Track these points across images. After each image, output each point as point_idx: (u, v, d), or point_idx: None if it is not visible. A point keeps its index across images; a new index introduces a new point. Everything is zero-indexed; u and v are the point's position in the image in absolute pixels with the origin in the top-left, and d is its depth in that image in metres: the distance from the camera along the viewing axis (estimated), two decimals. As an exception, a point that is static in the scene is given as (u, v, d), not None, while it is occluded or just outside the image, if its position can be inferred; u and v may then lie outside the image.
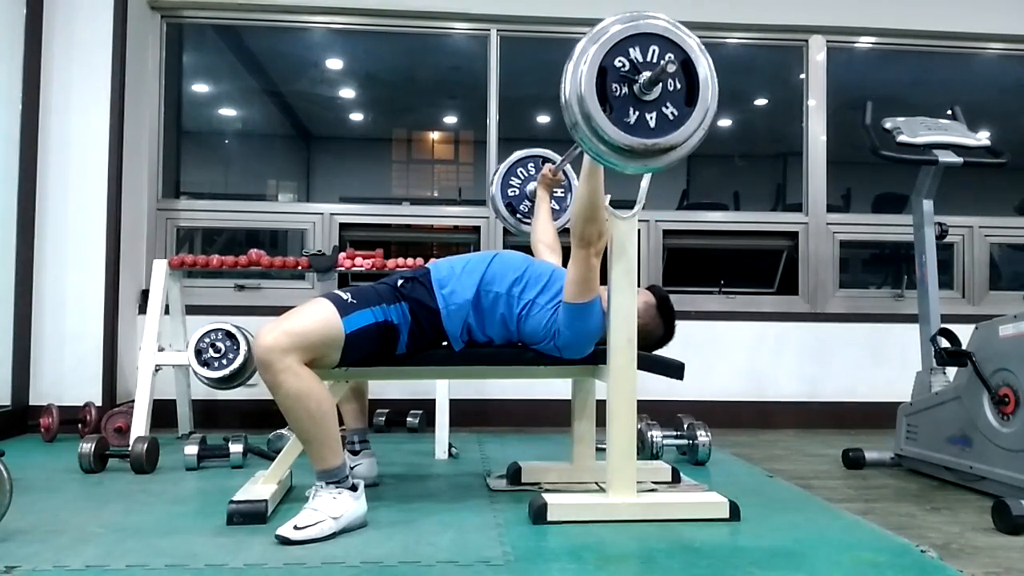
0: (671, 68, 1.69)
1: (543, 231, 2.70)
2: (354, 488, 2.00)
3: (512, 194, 2.92)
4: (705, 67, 1.75)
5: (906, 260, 4.28)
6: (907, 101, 4.63)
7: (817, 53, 4.28)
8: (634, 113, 1.73)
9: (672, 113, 1.75)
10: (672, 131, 1.74)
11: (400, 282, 2.20)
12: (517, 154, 2.93)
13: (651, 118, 1.73)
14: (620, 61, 1.72)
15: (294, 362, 1.93)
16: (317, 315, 2.02)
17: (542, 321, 2.17)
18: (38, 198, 3.56)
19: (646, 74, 1.71)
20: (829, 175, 4.27)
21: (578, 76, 1.71)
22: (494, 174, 2.97)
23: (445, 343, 2.25)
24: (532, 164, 2.91)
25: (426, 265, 2.30)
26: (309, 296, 2.15)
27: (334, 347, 2.03)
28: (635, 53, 1.73)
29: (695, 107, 1.75)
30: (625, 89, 1.72)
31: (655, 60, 1.73)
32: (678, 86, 1.75)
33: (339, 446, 2.01)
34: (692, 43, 1.76)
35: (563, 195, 2.89)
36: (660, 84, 1.72)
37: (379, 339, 2.11)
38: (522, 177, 2.91)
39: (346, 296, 2.09)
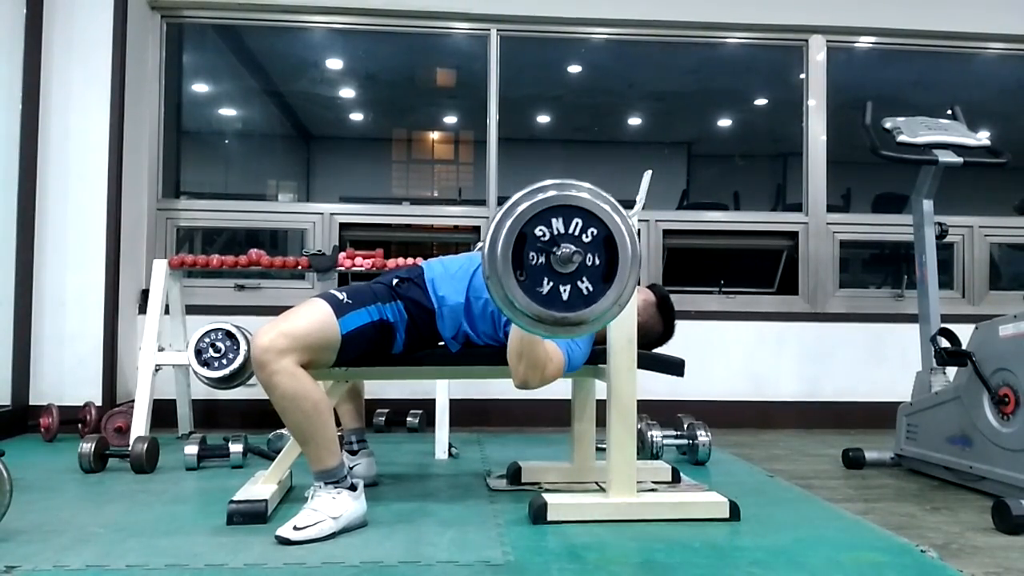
0: (576, 258, 1.66)
1: None
2: (353, 488, 2.00)
3: None
4: (627, 244, 1.70)
5: (906, 260, 4.28)
6: (907, 101, 4.63)
7: (817, 53, 4.28)
8: (548, 283, 1.69)
9: (587, 288, 1.70)
10: (583, 307, 1.70)
11: (395, 281, 2.20)
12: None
13: (565, 291, 1.69)
14: (540, 230, 1.67)
15: (290, 363, 1.93)
16: (313, 316, 2.02)
17: None
18: (38, 198, 3.56)
19: (564, 247, 1.67)
20: (829, 175, 4.27)
21: (497, 238, 1.67)
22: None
23: (442, 343, 2.25)
24: None
25: (419, 264, 2.30)
26: (309, 296, 2.15)
27: (330, 348, 2.03)
28: (558, 224, 1.68)
29: (611, 285, 1.70)
30: (542, 259, 1.68)
31: (576, 233, 1.69)
32: (597, 262, 1.70)
33: (336, 446, 2.01)
34: (617, 219, 1.70)
35: None
36: (576, 259, 1.68)
37: (375, 338, 2.11)
38: None
39: (342, 296, 2.09)
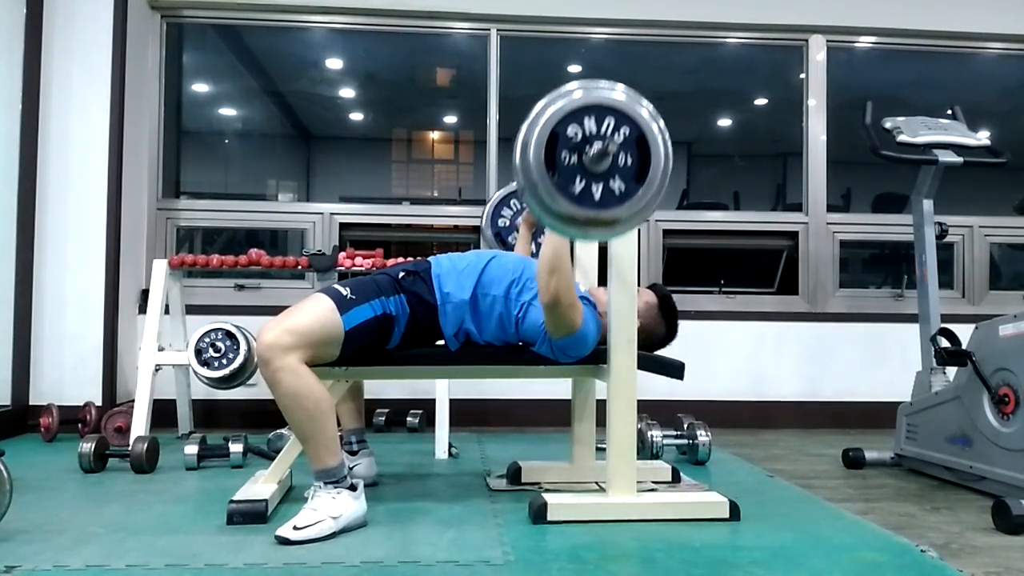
0: (612, 148, 1.67)
1: None
2: (353, 488, 2.00)
3: (502, 224, 2.89)
4: (660, 144, 1.71)
5: (906, 260, 4.28)
6: (907, 101, 4.63)
7: (817, 53, 4.28)
8: (580, 183, 1.70)
9: (619, 188, 1.71)
10: (616, 206, 1.71)
11: (401, 275, 2.21)
12: (511, 186, 2.91)
13: (597, 190, 1.70)
14: (573, 130, 1.68)
15: (294, 360, 1.93)
16: (317, 312, 2.02)
17: (538, 321, 2.17)
18: (38, 198, 3.56)
19: (597, 144, 1.68)
20: (829, 175, 4.27)
21: (530, 138, 1.67)
22: (488, 206, 2.95)
23: (441, 341, 2.25)
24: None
25: (428, 259, 2.30)
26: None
27: (334, 343, 2.04)
28: (590, 123, 1.69)
29: (643, 184, 1.71)
30: (574, 158, 1.69)
31: (607, 132, 1.70)
32: (629, 162, 1.71)
33: (337, 446, 2.01)
34: (649, 119, 1.71)
35: None
36: (609, 158, 1.69)
37: (375, 333, 2.12)
38: (514, 209, 2.89)
39: (345, 292, 2.09)
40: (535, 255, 2.69)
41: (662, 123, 1.73)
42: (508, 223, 2.90)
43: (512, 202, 2.90)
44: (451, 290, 2.19)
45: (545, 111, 1.68)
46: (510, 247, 2.85)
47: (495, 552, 1.80)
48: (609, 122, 1.69)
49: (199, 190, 4.87)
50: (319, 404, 1.96)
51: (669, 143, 1.73)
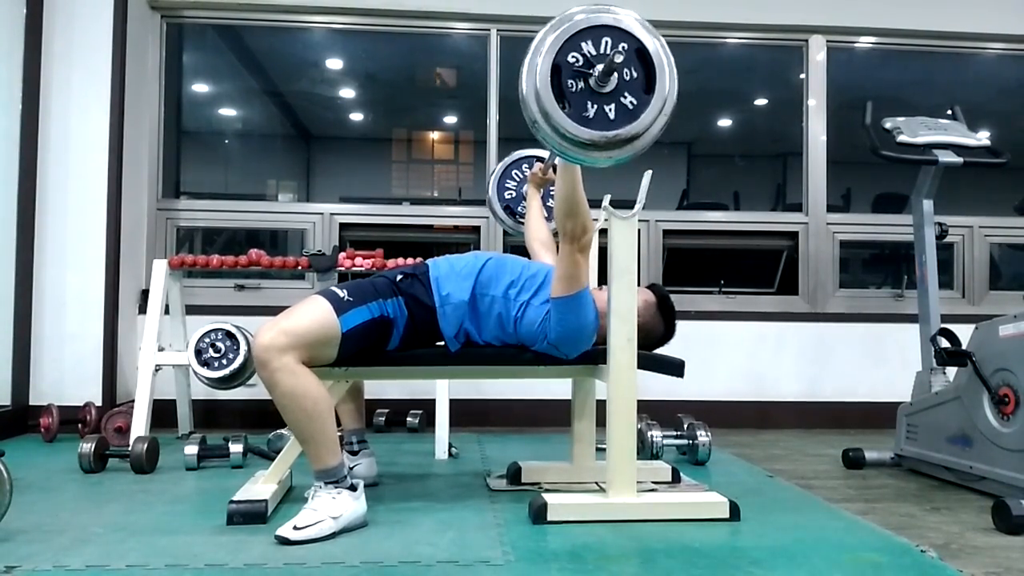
0: (618, 59, 1.68)
1: (536, 228, 2.69)
2: (353, 488, 2.00)
3: (509, 196, 2.90)
4: (660, 53, 1.74)
5: (906, 260, 4.28)
6: (907, 101, 4.63)
7: (817, 53, 4.28)
8: (592, 106, 1.72)
9: (631, 103, 1.73)
10: (632, 121, 1.73)
11: (399, 277, 2.21)
12: (513, 155, 2.92)
13: (610, 110, 1.72)
14: (573, 56, 1.70)
15: (291, 361, 1.93)
16: (314, 313, 2.02)
17: (536, 320, 2.17)
18: (38, 198, 3.56)
19: (599, 66, 1.69)
20: (829, 175, 4.27)
21: (533, 73, 1.69)
22: (490, 176, 2.96)
23: (441, 343, 2.25)
24: (527, 165, 2.90)
25: (426, 262, 2.30)
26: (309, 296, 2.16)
27: (331, 345, 2.04)
28: (588, 47, 1.71)
29: (654, 94, 1.73)
30: (581, 84, 1.71)
31: (607, 52, 1.71)
32: (635, 75, 1.73)
33: (336, 446, 2.01)
34: (643, 30, 1.74)
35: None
36: (615, 74, 1.70)
37: (374, 334, 2.12)
38: (518, 179, 2.90)
39: (342, 293, 2.09)
40: (548, 218, 2.71)
41: (656, 33, 1.76)
42: (514, 194, 2.90)
43: (514, 173, 2.90)
44: (450, 291, 2.19)
45: (542, 44, 1.70)
46: (520, 218, 2.85)
47: (495, 552, 1.80)
48: (606, 41, 1.71)
49: (199, 190, 4.87)
50: (318, 404, 1.96)
51: (668, 50, 1.75)
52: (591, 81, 1.71)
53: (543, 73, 1.68)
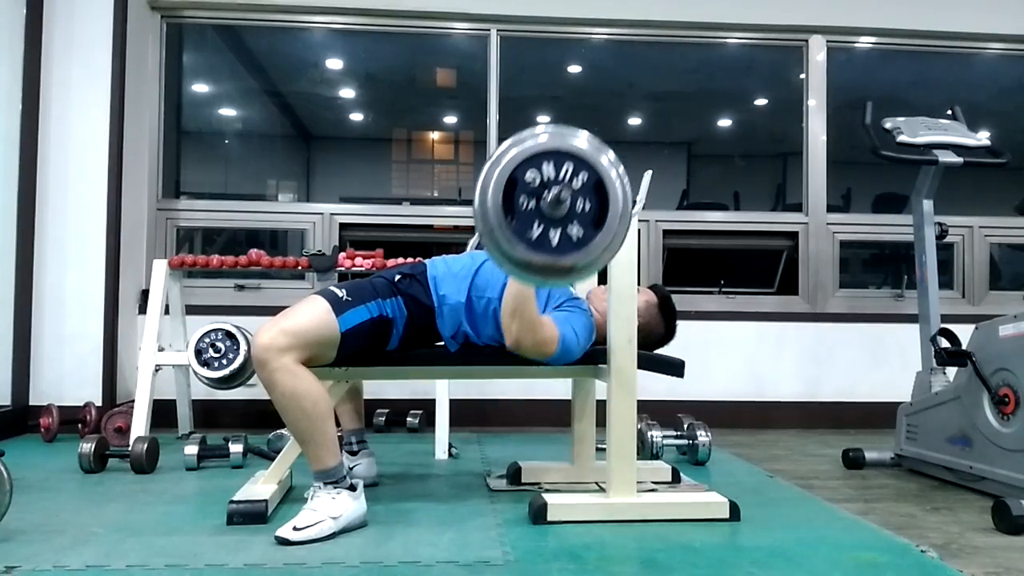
0: (564, 195, 1.64)
1: None
2: (353, 488, 2.00)
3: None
4: (618, 190, 1.68)
5: (906, 260, 4.28)
6: (907, 101, 4.63)
7: (817, 53, 4.28)
8: (538, 228, 1.67)
9: (577, 234, 1.68)
10: (573, 252, 1.68)
11: (398, 277, 2.20)
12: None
13: (555, 236, 1.67)
14: (532, 175, 1.66)
15: (290, 361, 1.93)
16: (312, 313, 2.02)
17: None
18: (38, 198, 3.56)
19: (554, 190, 1.65)
20: (829, 175, 4.27)
21: (488, 183, 1.65)
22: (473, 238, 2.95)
23: (441, 343, 2.24)
24: None
25: (423, 262, 2.30)
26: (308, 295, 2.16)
27: (330, 345, 2.04)
28: (548, 168, 1.66)
29: (601, 230, 1.69)
30: (532, 203, 1.66)
31: (565, 178, 1.67)
32: (587, 207, 1.68)
33: (336, 446, 2.01)
34: (608, 166, 1.69)
35: None
36: (567, 203, 1.66)
37: (373, 334, 2.11)
38: None
39: (341, 293, 2.09)
40: None
41: (622, 169, 1.70)
42: None
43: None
44: (447, 292, 2.19)
45: (503, 156, 1.66)
46: None
47: (495, 552, 1.80)
48: (568, 167, 1.67)
49: (199, 190, 4.87)
50: (317, 404, 1.96)
51: (628, 189, 1.71)
52: (542, 204, 1.66)
53: (498, 182, 1.65)
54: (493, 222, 1.65)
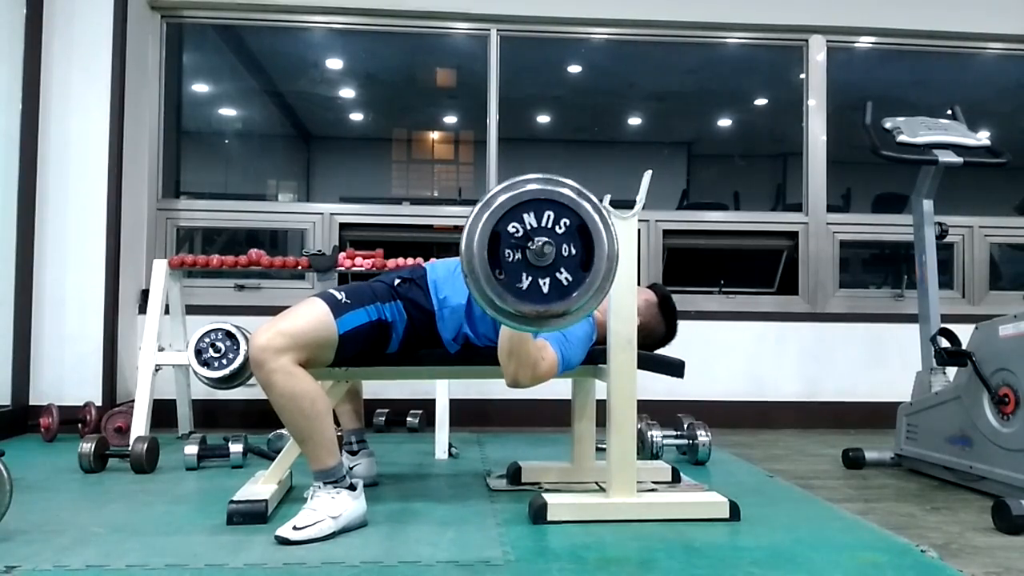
0: (547, 249, 1.67)
1: None
2: (352, 488, 2.00)
3: None
4: (602, 232, 1.71)
5: (906, 260, 4.28)
6: (907, 101, 4.63)
7: (817, 53, 4.28)
8: (527, 278, 1.70)
9: (566, 279, 1.71)
10: (564, 297, 1.71)
11: (397, 281, 2.20)
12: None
13: (544, 284, 1.70)
14: (514, 227, 1.69)
15: (288, 362, 1.93)
16: (311, 315, 2.02)
17: None
18: (38, 198, 3.56)
19: (539, 240, 1.68)
20: (829, 175, 4.27)
21: (472, 238, 1.69)
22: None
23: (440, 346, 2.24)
24: None
25: (423, 265, 2.30)
26: (308, 296, 2.16)
27: (328, 347, 2.03)
28: (530, 218, 1.70)
29: (590, 272, 1.72)
30: (518, 254, 1.69)
31: (548, 225, 1.70)
32: (573, 251, 1.71)
33: (335, 446, 2.01)
34: (588, 207, 1.71)
35: None
36: (553, 251, 1.69)
37: (372, 337, 2.11)
38: None
39: (340, 296, 2.08)
40: None
41: (604, 211, 1.74)
42: None
43: None
44: (448, 295, 2.19)
45: (486, 209, 1.70)
46: None
47: (495, 552, 1.80)
48: (549, 215, 1.70)
49: (199, 190, 4.87)
50: (315, 404, 1.96)
51: (613, 228, 1.74)
52: (528, 253, 1.69)
53: (481, 238, 1.68)
54: (481, 275, 1.67)
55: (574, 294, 1.71)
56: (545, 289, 1.70)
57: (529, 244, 1.69)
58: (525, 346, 1.99)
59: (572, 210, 1.71)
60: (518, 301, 1.69)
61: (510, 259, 1.69)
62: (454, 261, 2.29)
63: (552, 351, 2.09)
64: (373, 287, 2.18)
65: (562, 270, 1.72)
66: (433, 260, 2.34)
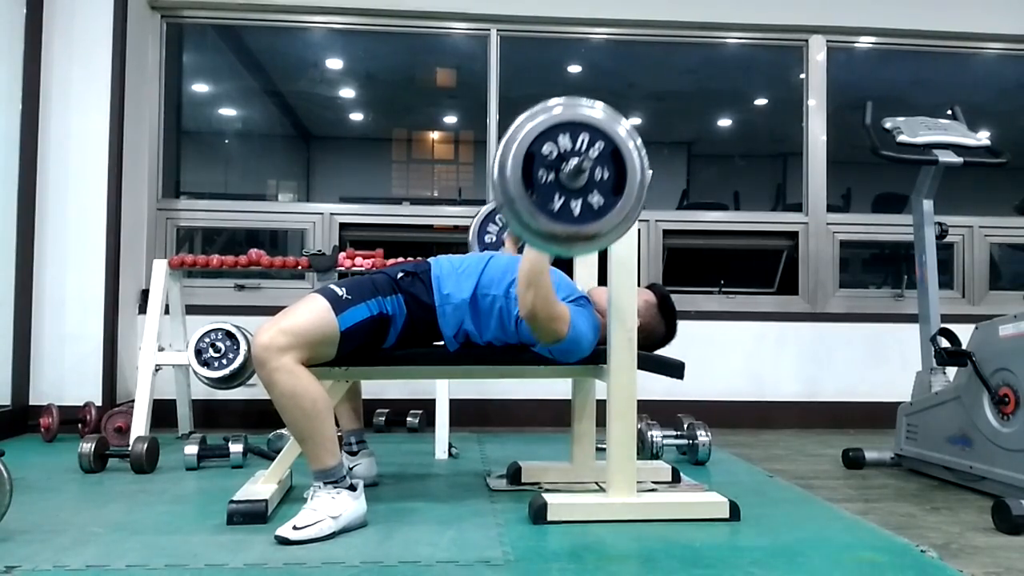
0: (586, 164, 1.68)
1: None
2: (353, 488, 2.00)
3: (488, 240, 2.92)
4: (635, 156, 1.72)
5: (906, 260, 4.28)
6: (907, 101, 4.63)
7: (817, 53, 4.28)
8: (559, 200, 1.70)
9: (598, 202, 1.72)
10: (594, 220, 1.72)
11: (400, 275, 2.20)
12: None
13: (576, 206, 1.71)
14: (548, 148, 1.69)
15: (290, 360, 1.93)
16: (312, 313, 2.02)
17: None
18: (38, 198, 3.56)
19: (573, 161, 1.68)
20: (829, 175, 4.27)
21: (506, 158, 1.68)
22: (474, 220, 2.97)
23: (439, 343, 2.24)
24: None
25: (428, 260, 2.29)
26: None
27: (329, 344, 2.04)
28: (564, 140, 1.70)
29: (621, 197, 1.73)
30: (551, 176, 1.70)
31: (583, 148, 1.70)
32: (605, 176, 1.72)
33: (335, 446, 2.01)
34: (623, 133, 1.72)
35: None
36: (586, 173, 1.70)
37: (372, 332, 2.11)
38: (500, 224, 2.91)
39: (341, 292, 2.08)
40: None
41: (637, 138, 1.74)
42: (494, 239, 2.92)
43: (497, 218, 2.91)
44: (451, 291, 2.19)
45: (520, 131, 1.69)
46: None
47: (495, 552, 1.80)
48: (584, 138, 1.70)
49: (199, 190, 4.87)
50: (316, 404, 1.96)
51: (644, 155, 1.75)
52: (561, 175, 1.70)
53: (516, 157, 1.68)
54: (514, 195, 1.67)
55: (605, 217, 1.72)
56: (576, 211, 1.71)
57: (563, 165, 1.69)
58: (545, 277, 2.01)
59: (607, 134, 1.72)
60: (550, 221, 1.70)
61: (543, 180, 1.70)
62: (460, 257, 2.30)
63: (567, 309, 2.10)
64: (374, 280, 2.18)
65: (594, 193, 1.72)
66: (439, 256, 2.33)
